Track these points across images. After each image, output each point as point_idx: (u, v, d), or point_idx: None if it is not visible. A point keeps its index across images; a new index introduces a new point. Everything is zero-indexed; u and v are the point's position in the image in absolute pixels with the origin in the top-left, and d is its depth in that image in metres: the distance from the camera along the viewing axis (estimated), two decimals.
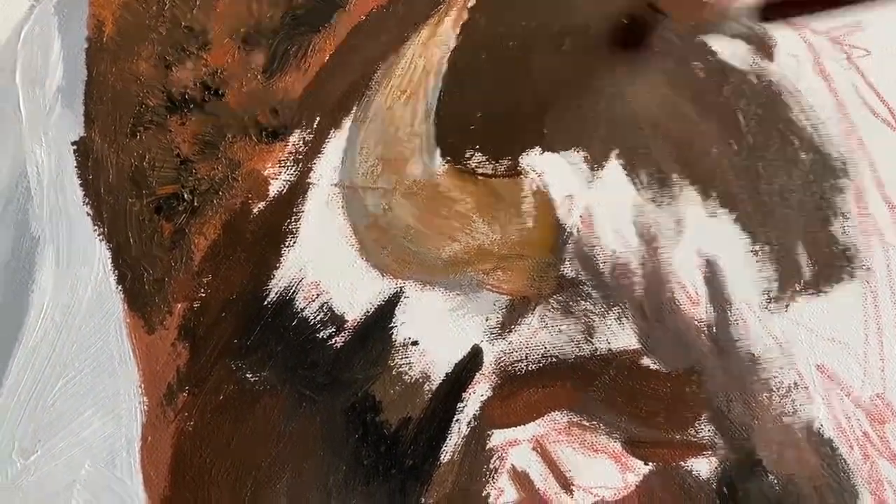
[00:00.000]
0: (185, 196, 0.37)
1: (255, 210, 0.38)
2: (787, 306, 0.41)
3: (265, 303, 0.38)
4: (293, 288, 0.38)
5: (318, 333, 0.38)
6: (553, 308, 0.40)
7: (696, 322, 0.40)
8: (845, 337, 0.41)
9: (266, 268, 0.38)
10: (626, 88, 0.41)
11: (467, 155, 0.40)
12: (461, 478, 0.39)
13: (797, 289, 0.42)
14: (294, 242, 0.38)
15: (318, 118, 0.39)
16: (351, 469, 0.38)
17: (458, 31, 0.40)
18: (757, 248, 0.41)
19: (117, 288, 0.37)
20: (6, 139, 0.37)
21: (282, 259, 0.38)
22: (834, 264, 0.42)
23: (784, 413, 0.41)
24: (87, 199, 0.37)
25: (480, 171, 0.40)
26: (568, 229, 0.40)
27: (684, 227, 0.41)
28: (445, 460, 0.39)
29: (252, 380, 0.37)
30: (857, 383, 0.41)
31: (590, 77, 0.42)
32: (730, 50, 0.41)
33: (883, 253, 0.42)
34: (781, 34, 0.42)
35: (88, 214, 0.38)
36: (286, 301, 0.38)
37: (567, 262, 0.40)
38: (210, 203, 0.38)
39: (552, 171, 0.40)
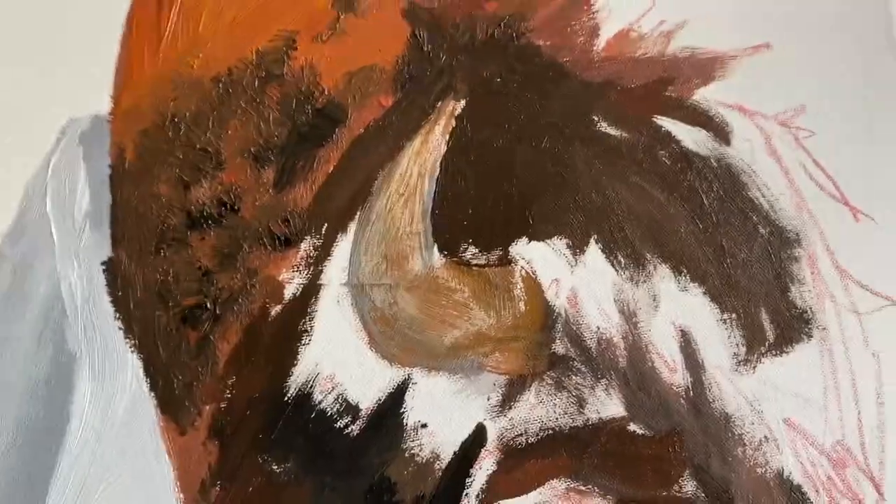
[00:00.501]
0: (208, 305, 0.42)
1: (272, 313, 0.43)
2: (754, 368, 0.47)
3: (286, 398, 0.42)
4: (310, 382, 0.43)
5: (336, 423, 0.43)
6: (547, 384, 0.46)
7: (674, 388, 0.46)
8: (807, 392, 0.48)
9: (285, 366, 0.43)
10: (601, 179, 0.46)
11: (462, 248, 0.45)
12: None
13: (763, 351, 0.48)
14: (309, 340, 0.43)
15: (325, 224, 0.44)
16: None
17: (447, 137, 0.45)
18: (725, 316, 0.47)
19: (150, 394, 0.42)
20: (42, 264, 0.41)
21: (299, 356, 0.43)
22: (794, 327, 0.48)
23: (757, 464, 0.47)
24: (118, 314, 0.42)
25: (474, 262, 0.45)
26: (556, 310, 0.46)
27: (660, 302, 0.47)
28: None
29: (278, 471, 0.42)
30: (819, 433, 0.48)
31: (567, 170, 0.47)
32: (691, 137, 0.47)
33: (835, 314, 0.49)
34: (736, 120, 0.48)
35: (120, 328, 0.42)
36: (305, 395, 0.43)
37: (557, 341, 0.46)
38: (231, 310, 0.42)
39: (539, 258, 0.46)
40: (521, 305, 0.47)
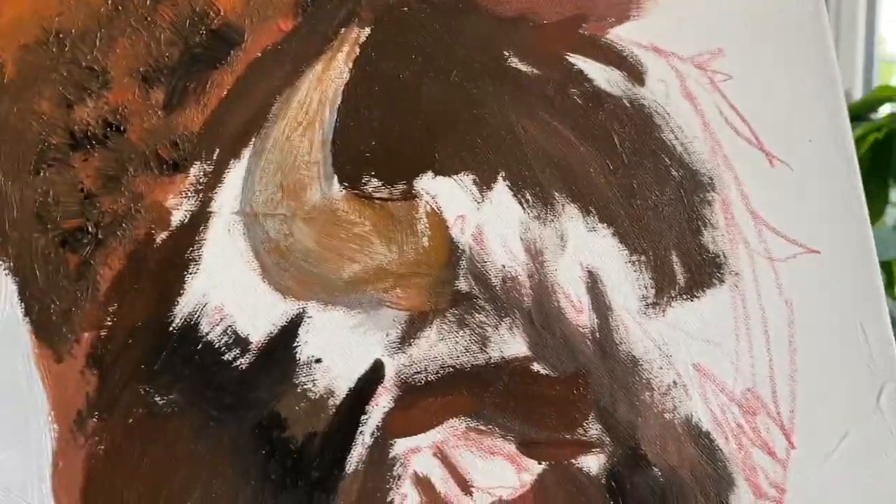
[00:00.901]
0: (90, 229, 0.40)
1: (158, 240, 0.41)
2: (664, 311, 0.46)
3: (171, 329, 0.41)
4: (197, 313, 0.41)
5: (224, 356, 0.42)
6: (449, 321, 0.45)
7: (580, 328, 0.45)
8: (718, 337, 0.47)
9: (170, 295, 0.41)
10: (510, 116, 0.45)
11: (364, 181, 0.44)
12: (366, 486, 0.42)
13: (673, 295, 0.47)
14: (197, 269, 0.42)
15: (217, 150, 0.42)
16: (259, 485, 0.42)
17: (350, 65, 0.44)
18: (634, 258, 0.46)
19: (24, 320, 0.40)
20: None
21: (185, 286, 0.41)
22: (705, 271, 0.47)
23: (665, 410, 0.46)
24: None
25: (377, 195, 0.44)
26: (461, 247, 0.45)
27: (567, 242, 0.46)
28: (351, 470, 0.43)
29: (160, 403, 0.40)
30: (730, 379, 0.47)
31: (476, 106, 0.46)
32: (604, 77, 0.46)
33: (749, 259, 0.48)
34: (651, 61, 0.47)
35: None
36: (191, 326, 0.41)
37: (461, 278, 0.45)
38: (114, 235, 0.41)
39: (444, 193, 0.45)
40: (425, 241, 0.46)
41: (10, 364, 0.43)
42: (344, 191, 0.49)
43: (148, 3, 0.46)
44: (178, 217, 0.46)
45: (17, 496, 0.43)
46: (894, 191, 1.00)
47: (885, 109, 1.04)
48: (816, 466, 0.50)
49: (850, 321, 0.51)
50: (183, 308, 0.46)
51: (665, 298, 0.51)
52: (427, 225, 0.49)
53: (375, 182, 0.49)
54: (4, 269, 0.44)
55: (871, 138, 0.90)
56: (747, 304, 0.52)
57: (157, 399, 0.45)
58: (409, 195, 0.49)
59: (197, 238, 0.46)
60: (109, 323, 0.45)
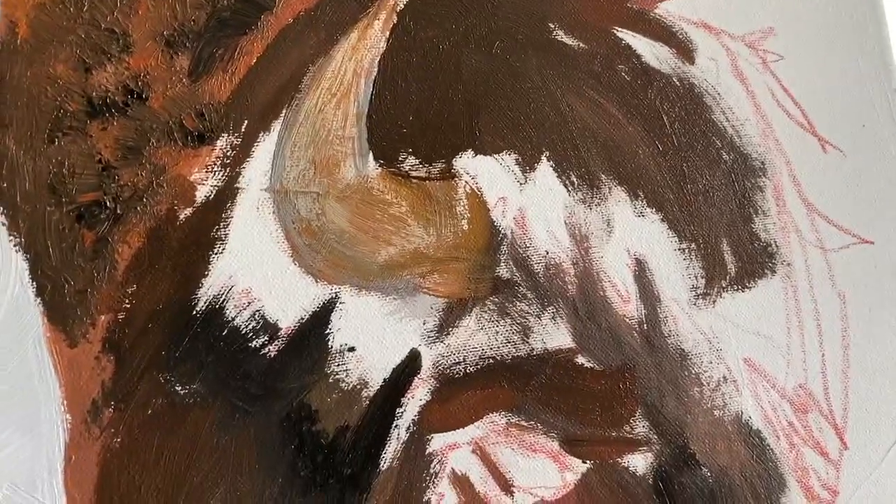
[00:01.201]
0: (108, 203, 0.37)
1: (181, 217, 0.38)
2: (713, 302, 0.43)
3: (194, 312, 0.38)
4: (223, 296, 0.38)
5: (251, 343, 0.38)
6: (489, 310, 0.41)
7: (627, 319, 0.42)
8: (769, 330, 0.44)
9: (194, 276, 0.38)
10: (555, 92, 0.42)
11: (400, 158, 0.40)
12: (401, 484, 0.39)
13: (723, 285, 0.44)
14: (223, 249, 0.38)
15: (246, 122, 0.39)
16: (287, 481, 0.38)
17: (387, 34, 0.41)
18: (684, 246, 0.43)
19: (36, 300, 0.37)
20: None
21: (210, 267, 0.38)
22: (756, 261, 0.44)
23: (715, 406, 0.43)
24: (2, 208, 0.37)
25: (414, 174, 0.41)
26: (502, 231, 0.41)
27: (614, 227, 0.43)
28: (385, 467, 0.40)
29: (182, 392, 0.37)
30: (781, 375, 0.44)
31: (519, 80, 0.43)
32: (653, 53, 0.43)
33: (801, 249, 0.45)
34: (701, 38, 0.44)
35: (3, 224, 0.37)
36: (216, 310, 0.38)
37: (502, 264, 0.41)
38: (134, 210, 0.37)
39: (485, 173, 0.42)
40: (464, 224, 0.43)
41: (21, 348, 0.40)
42: (380, 168, 0.46)
43: None
44: (203, 192, 0.43)
45: (25, 492, 0.40)
46: None
47: None
48: (871, 468, 0.48)
49: None
50: (207, 291, 0.43)
51: (715, 289, 0.48)
52: (467, 207, 0.47)
53: (413, 160, 0.46)
54: (15, 245, 0.41)
55: None
56: (799, 295, 0.50)
57: (179, 388, 0.42)
58: (448, 174, 0.47)
59: (223, 215, 0.43)
60: (128, 305, 0.42)
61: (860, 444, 0.48)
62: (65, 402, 0.41)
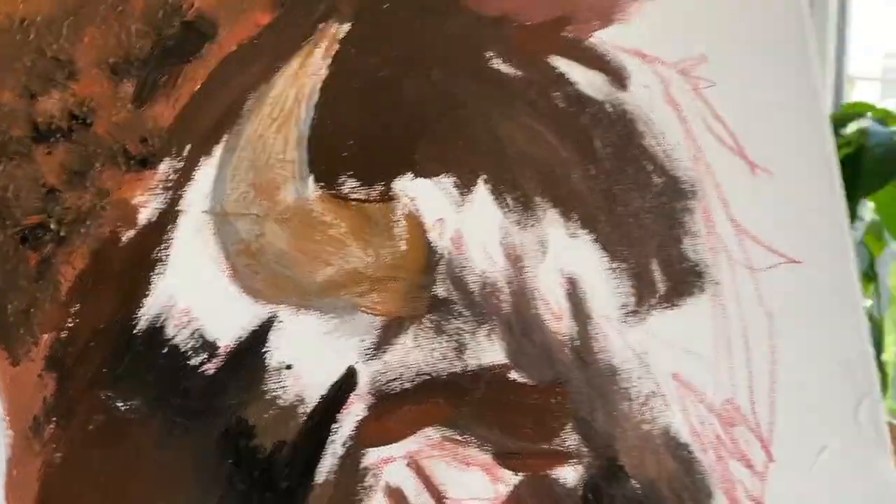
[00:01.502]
0: (52, 226, 0.39)
1: (123, 238, 0.40)
2: (643, 320, 0.45)
3: (135, 331, 0.39)
4: (164, 315, 0.40)
5: (190, 360, 0.40)
6: (426, 327, 0.43)
7: (559, 336, 0.44)
8: (697, 347, 0.46)
9: (135, 296, 0.40)
10: (492, 117, 0.44)
11: (340, 181, 0.42)
12: (336, 497, 0.41)
13: (653, 303, 0.46)
14: (164, 270, 0.40)
15: (188, 146, 0.41)
16: (226, 495, 0.40)
17: (329, 61, 0.42)
18: (615, 265, 0.45)
19: None
20: None
21: (151, 287, 0.40)
22: (686, 280, 0.47)
23: (643, 420, 0.45)
24: None
25: (353, 196, 0.43)
26: (439, 251, 0.44)
27: (548, 248, 0.45)
28: (321, 481, 0.41)
29: (122, 409, 0.39)
30: (709, 390, 0.46)
31: (457, 106, 0.45)
32: (587, 80, 0.45)
33: (730, 268, 0.47)
34: (635, 66, 0.46)
35: None
36: (157, 329, 0.40)
37: (439, 283, 0.43)
38: (77, 232, 0.39)
39: (423, 195, 0.44)
40: (402, 244, 0.45)
41: None
42: (320, 191, 0.48)
43: None
44: (145, 215, 0.45)
45: None
46: (861, 207, 1.02)
47: (853, 126, 1.06)
48: (795, 479, 0.51)
49: (830, 333, 0.51)
50: (148, 310, 0.45)
51: (645, 306, 0.51)
52: (405, 228, 0.49)
53: (353, 182, 0.48)
54: None
55: (841, 154, 0.92)
56: (727, 313, 0.52)
57: (119, 405, 0.43)
58: (387, 196, 0.49)
59: (165, 237, 0.45)
60: (70, 324, 0.43)
61: (786, 456, 0.51)
62: (7, 419, 0.42)
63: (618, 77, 0.54)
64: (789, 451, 0.52)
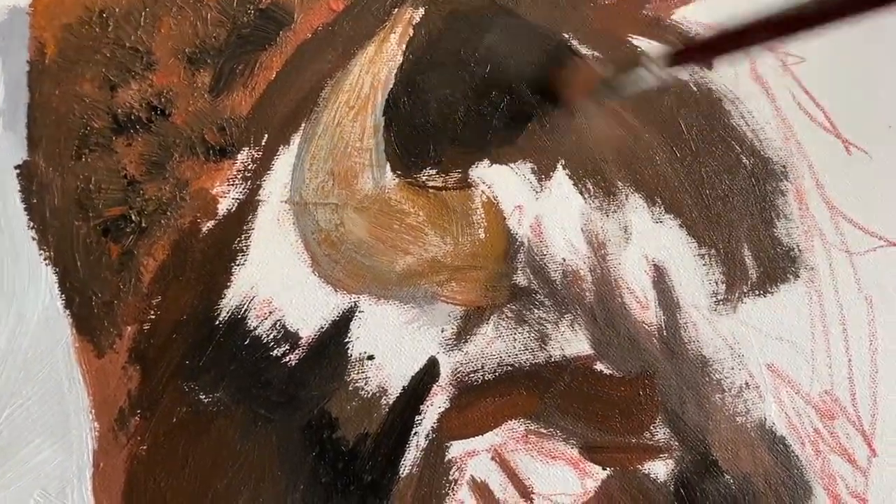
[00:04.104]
0: (133, 217, 0.39)
1: (203, 229, 0.40)
2: (735, 308, 0.44)
3: (216, 322, 0.39)
4: (245, 306, 0.40)
5: (272, 351, 0.40)
6: (507, 317, 0.43)
7: (646, 326, 0.43)
8: (793, 336, 0.45)
9: (216, 287, 0.40)
10: (570, 99, 0.43)
11: (417, 168, 0.42)
12: (421, 491, 0.41)
13: (744, 290, 0.45)
14: (245, 260, 0.40)
15: (266, 135, 0.41)
16: (309, 487, 0.40)
17: (403, 47, 0.42)
18: (703, 251, 0.44)
19: (65, 312, 0.39)
20: None
21: (232, 278, 0.40)
22: (779, 265, 0.45)
23: (737, 413, 0.44)
24: (32, 224, 0.39)
25: (431, 183, 0.43)
26: (519, 239, 0.43)
27: (631, 234, 0.44)
28: (405, 474, 0.41)
29: (205, 401, 0.39)
30: (805, 381, 0.45)
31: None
32: None
33: (825, 252, 0.46)
34: None
35: (34, 238, 0.39)
36: (238, 320, 0.40)
37: (519, 272, 0.43)
38: (158, 224, 0.40)
39: (501, 182, 0.43)
40: (481, 232, 0.44)
41: (51, 358, 0.43)
42: (397, 179, 0.47)
43: None
44: (225, 205, 0.45)
45: (56, 499, 0.42)
46: None
47: None
48: None
49: None
50: (229, 301, 0.45)
51: (736, 294, 0.49)
52: (483, 215, 0.48)
53: (430, 170, 0.48)
54: (45, 259, 0.43)
55: None
56: (824, 300, 0.50)
57: (202, 397, 0.44)
58: (465, 184, 0.48)
59: (245, 227, 0.45)
60: (153, 316, 0.44)
61: (889, 450, 0.48)
62: (93, 411, 0.43)
63: None
64: (893, 444, 0.50)
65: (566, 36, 0.51)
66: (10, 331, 0.43)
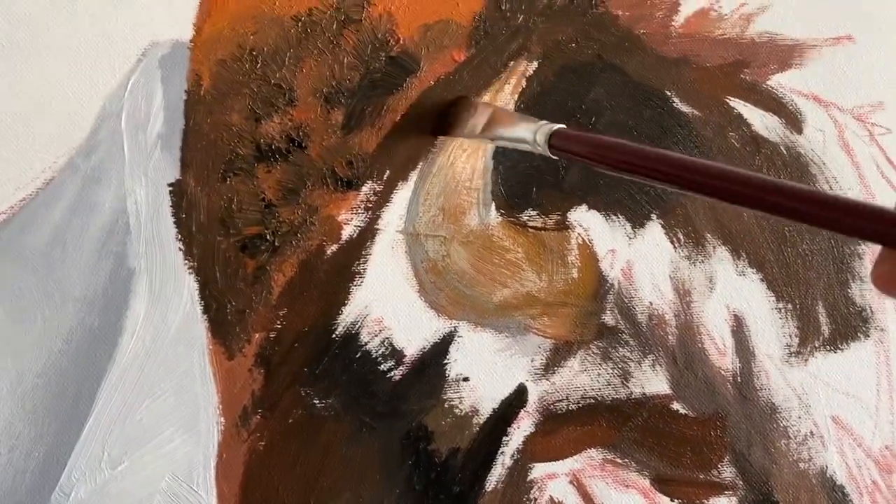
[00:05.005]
0: (268, 237, 0.45)
1: (328, 251, 0.46)
2: (806, 361, 0.49)
3: (333, 335, 0.45)
4: (359, 323, 0.46)
5: (380, 366, 0.46)
6: (593, 353, 0.48)
7: (722, 371, 0.48)
8: (859, 391, 0.49)
9: (336, 304, 0.46)
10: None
11: (519, 209, 0.47)
12: None
13: (816, 345, 0.49)
14: (361, 282, 0.46)
15: (387, 171, 0.46)
16: (403, 494, 0.46)
17: (516, 97, 0.47)
18: (781, 305, 0.48)
19: (203, 317, 0.45)
20: (110, 178, 0.44)
21: (350, 296, 0.46)
22: (851, 324, 0.49)
23: (800, 459, 0.48)
24: (180, 236, 0.45)
25: (531, 224, 0.48)
26: (609, 281, 0.48)
27: (716, 284, 0.48)
28: (490, 489, 0.46)
29: (319, 406, 0.45)
30: (868, 434, 0.49)
31: (635, 143, 0.49)
32: (763, 122, 0.49)
33: None
34: (810, 109, 0.50)
35: (181, 249, 0.46)
36: (352, 335, 0.46)
37: (608, 311, 0.48)
38: (289, 244, 0.46)
39: (597, 227, 0.48)
40: (574, 272, 0.49)
41: (189, 357, 0.48)
42: (500, 218, 0.52)
43: (335, 27, 0.51)
44: (348, 231, 0.50)
45: (184, 482, 0.48)
46: None
47: None
48: None
49: None
50: (346, 317, 0.50)
51: (808, 348, 0.53)
52: (578, 256, 0.53)
53: (531, 211, 0.52)
54: (189, 269, 0.49)
55: None
56: (891, 360, 0.54)
57: (317, 402, 0.49)
58: (563, 226, 0.53)
59: (363, 252, 0.50)
60: (279, 326, 0.49)
61: None
62: (220, 407, 0.49)
63: (793, 120, 0.57)
64: None
65: (668, 93, 0.55)
66: (155, 330, 0.48)
